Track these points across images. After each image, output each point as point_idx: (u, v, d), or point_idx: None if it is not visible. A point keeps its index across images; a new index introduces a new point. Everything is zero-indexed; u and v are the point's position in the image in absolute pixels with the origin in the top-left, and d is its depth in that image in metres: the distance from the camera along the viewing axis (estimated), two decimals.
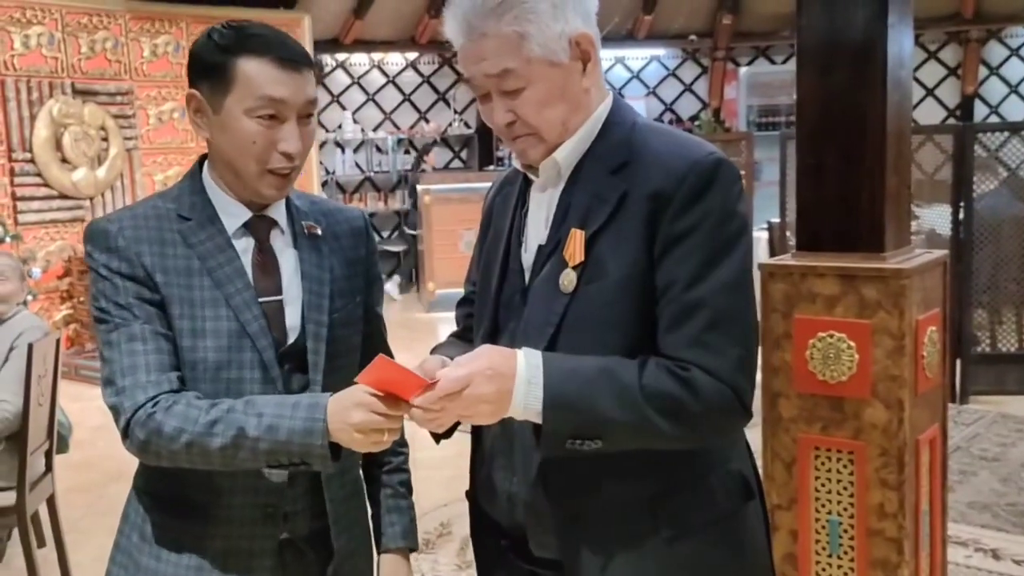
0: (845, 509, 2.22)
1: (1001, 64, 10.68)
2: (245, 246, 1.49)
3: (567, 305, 1.34)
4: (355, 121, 10.80)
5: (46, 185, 7.11)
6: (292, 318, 1.50)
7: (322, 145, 10.47)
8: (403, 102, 11.10)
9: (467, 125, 11.22)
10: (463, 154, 11.48)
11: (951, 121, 10.38)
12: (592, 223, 1.34)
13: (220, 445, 1.35)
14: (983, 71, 10.73)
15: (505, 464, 1.43)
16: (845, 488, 2.22)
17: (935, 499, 2.31)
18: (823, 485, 2.25)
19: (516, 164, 1.47)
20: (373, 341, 1.61)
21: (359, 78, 10.87)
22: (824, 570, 2.26)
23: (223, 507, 1.47)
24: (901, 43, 2.18)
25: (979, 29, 10.55)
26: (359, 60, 10.81)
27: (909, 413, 2.12)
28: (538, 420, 1.27)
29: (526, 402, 1.26)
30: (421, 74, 11.12)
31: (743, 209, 1.35)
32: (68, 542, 3.54)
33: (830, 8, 2.16)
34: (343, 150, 10.83)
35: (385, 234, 11.08)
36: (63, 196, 7.22)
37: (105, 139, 7.44)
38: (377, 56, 10.86)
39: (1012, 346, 5.74)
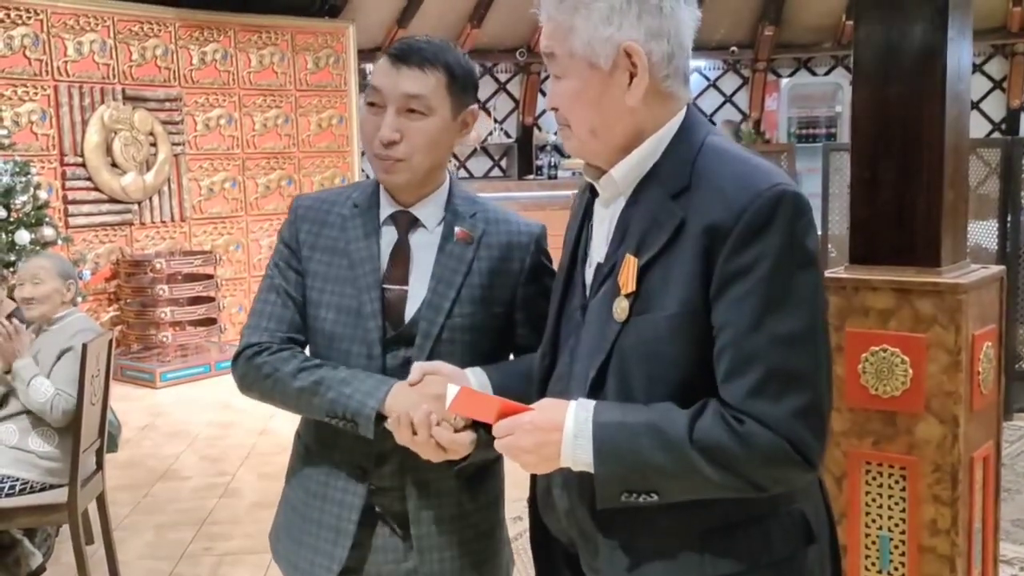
0: (896, 525, 2.21)
1: None
2: (390, 235, 1.65)
3: (618, 334, 1.29)
4: None
5: (96, 189, 7.23)
6: (412, 309, 1.62)
7: (364, 152, 10.55)
8: None
9: (507, 134, 11.26)
10: (503, 163, 11.52)
11: (996, 135, 10.23)
12: (646, 251, 1.28)
13: (298, 387, 1.58)
14: None
15: (562, 481, 1.40)
16: (896, 503, 2.21)
17: (987, 517, 2.29)
18: (874, 500, 2.24)
19: (584, 174, 1.43)
20: (510, 355, 1.68)
21: None
22: None
23: (328, 457, 1.66)
24: (960, 56, 2.17)
25: None
26: None
27: (964, 429, 2.11)
28: (592, 471, 1.27)
29: (575, 455, 1.27)
30: None
31: (812, 246, 1.23)
32: (115, 539, 3.60)
33: (888, 21, 2.16)
34: None
35: None
36: (112, 200, 7.33)
37: (153, 144, 7.56)
38: None
39: None
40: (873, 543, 2.25)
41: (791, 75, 11.09)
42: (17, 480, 3.24)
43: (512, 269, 1.65)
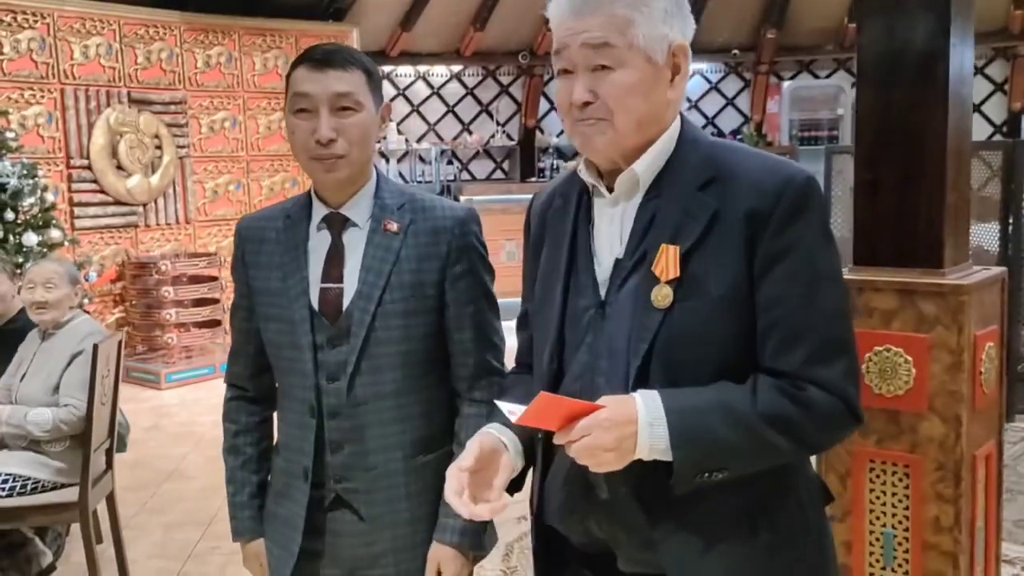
0: (900, 522, 2.24)
1: None
2: (325, 238, 1.74)
3: (661, 321, 1.33)
4: (399, 132, 10.92)
5: (102, 191, 7.27)
6: (348, 304, 1.71)
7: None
8: (447, 114, 11.19)
9: (509, 137, 11.29)
10: (505, 165, 11.56)
11: (997, 137, 10.26)
12: (685, 239, 1.33)
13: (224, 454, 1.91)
14: None
15: (587, 481, 1.40)
16: (900, 501, 2.23)
17: (990, 515, 2.32)
18: (878, 498, 2.27)
19: (584, 176, 1.44)
20: (449, 336, 1.75)
21: (404, 89, 10.99)
22: None
23: (287, 457, 1.79)
24: (962, 60, 2.20)
25: None
26: (404, 72, 10.93)
27: (967, 428, 2.14)
28: (666, 458, 1.28)
29: (651, 443, 1.28)
30: (465, 86, 11.22)
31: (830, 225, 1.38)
32: (123, 539, 3.63)
33: (891, 24, 2.19)
34: (387, 160, 10.95)
35: None
36: (117, 202, 7.37)
37: (159, 147, 7.60)
38: (422, 68, 10.98)
39: None
40: (877, 539, 2.28)
41: (793, 78, 11.12)
42: (29, 479, 3.27)
43: (440, 253, 1.73)
